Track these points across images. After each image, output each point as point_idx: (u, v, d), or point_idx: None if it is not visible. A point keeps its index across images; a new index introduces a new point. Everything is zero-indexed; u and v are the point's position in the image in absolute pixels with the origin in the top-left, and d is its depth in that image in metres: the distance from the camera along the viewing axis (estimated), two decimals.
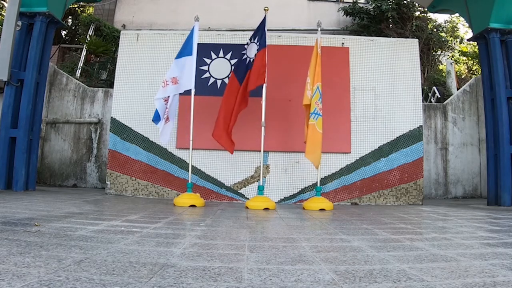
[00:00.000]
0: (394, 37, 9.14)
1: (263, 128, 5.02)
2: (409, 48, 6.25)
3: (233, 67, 5.55)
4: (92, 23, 10.16)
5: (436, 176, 7.74)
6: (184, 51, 5.09)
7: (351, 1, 10.56)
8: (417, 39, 6.64)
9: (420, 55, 6.89)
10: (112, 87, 6.48)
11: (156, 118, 4.94)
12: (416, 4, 9.86)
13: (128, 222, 3.05)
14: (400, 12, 9.81)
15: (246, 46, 5.29)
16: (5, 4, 9.94)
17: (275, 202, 5.13)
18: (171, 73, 5.00)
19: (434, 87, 8.93)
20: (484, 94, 6.18)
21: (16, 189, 5.56)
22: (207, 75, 6.01)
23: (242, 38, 6.27)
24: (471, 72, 11.69)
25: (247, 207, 4.77)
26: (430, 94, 8.96)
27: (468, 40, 6.91)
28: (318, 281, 1.52)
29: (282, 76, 5.93)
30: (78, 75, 8.96)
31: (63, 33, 11.48)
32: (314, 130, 4.89)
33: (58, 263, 1.63)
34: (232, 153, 5.16)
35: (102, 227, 2.71)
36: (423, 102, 7.24)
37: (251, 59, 5.16)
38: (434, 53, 10.54)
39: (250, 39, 5.30)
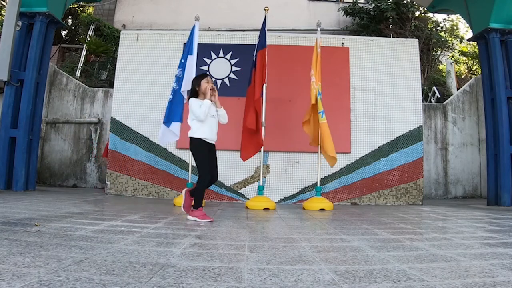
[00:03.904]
0: (394, 37, 9.15)
1: (263, 128, 5.02)
2: (409, 48, 6.25)
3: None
4: (92, 23, 10.16)
5: (436, 176, 7.73)
6: (186, 51, 5.08)
7: (351, 1, 10.56)
8: (417, 39, 6.64)
9: (420, 55, 6.89)
10: (112, 87, 6.48)
11: (175, 119, 4.83)
12: (416, 4, 9.86)
13: (128, 222, 3.05)
14: (400, 12, 9.81)
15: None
16: (5, 4, 9.93)
17: (275, 202, 5.13)
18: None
19: (434, 87, 8.93)
20: (484, 94, 6.18)
21: (16, 189, 5.56)
22: None
23: (242, 38, 6.28)
24: (471, 72, 11.69)
25: (247, 207, 4.77)
26: (430, 94, 8.96)
27: (468, 40, 6.91)
28: (318, 281, 1.52)
29: (282, 76, 5.93)
30: (78, 75, 8.95)
31: (63, 33, 11.47)
32: (327, 128, 4.83)
33: (58, 263, 1.63)
34: (244, 160, 5.01)
35: (102, 227, 2.71)
36: (423, 102, 7.24)
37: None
38: (434, 53, 10.55)
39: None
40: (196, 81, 3.55)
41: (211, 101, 3.44)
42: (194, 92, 3.52)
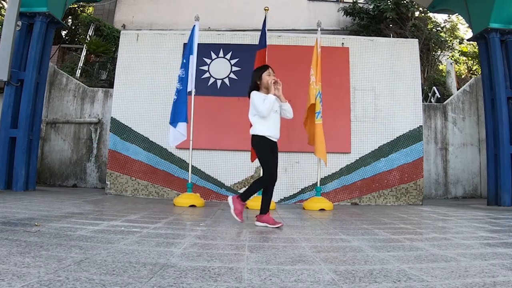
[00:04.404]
0: (394, 37, 9.15)
1: None
2: (409, 48, 6.25)
3: None
4: (92, 23, 10.16)
5: (436, 176, 7.73)
6: (188, 50, 5.09)
7: (351, 1, 10.57)
8: (417, 39, 6.64)
9: (420, 55, 6.89)
10: (112, 87, 6.48)
11: (180, 120, 4.81)
12: (416, 4, 9.86)
13: (128, 222, 3.05)
14: (399, 12, 9.82)
15: None
16: (5, 4, 9.94)
17: (275, 202, 5.13)
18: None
19: (434, 87, 8.93)
20: (484, 94, 6.17)
21: (16, 189, 5.56)
22: (207, 75, 6.01)
23: (242, 38, 6.28)
24: (471, 72, 11.69)
25: (247, 207, 4.76)
26: (430, 94, 8.96)
27: (468, 40, 6.91)
28: (318, 281, 1.52)
29: (282, 76, 5.86)
30: (78, 75, 8.95)
31: (63, 33, 11.47)
32: (321, 129, 4.90)
33: (58, 263, 1.63)
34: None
35: (102, 227, 2.71)
36: (423, 102, 7.24)
37: None
38: (434, 53, 10.55)
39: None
40: (257, 74, 3.26)
41: (275, 95, 3.16)
42: (255, 86, 3.23)
